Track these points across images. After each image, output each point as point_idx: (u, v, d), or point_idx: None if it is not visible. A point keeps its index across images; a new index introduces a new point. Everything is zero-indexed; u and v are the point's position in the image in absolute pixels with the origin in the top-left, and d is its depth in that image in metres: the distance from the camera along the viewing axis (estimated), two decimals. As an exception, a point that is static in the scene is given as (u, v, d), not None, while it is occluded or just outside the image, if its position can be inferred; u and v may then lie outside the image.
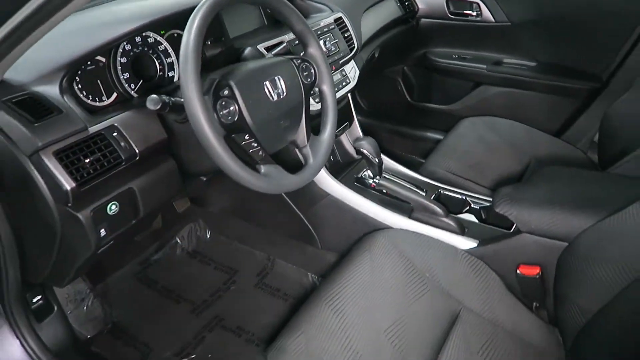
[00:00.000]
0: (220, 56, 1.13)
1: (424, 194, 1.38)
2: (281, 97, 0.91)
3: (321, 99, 1.03)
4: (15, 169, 0.80)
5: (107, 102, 0.96)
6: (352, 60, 1.49)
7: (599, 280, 0.89)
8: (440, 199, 1.39)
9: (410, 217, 1.31)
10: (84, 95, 0.92)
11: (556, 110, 1.90)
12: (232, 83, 0.83)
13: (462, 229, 1.26)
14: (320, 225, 1.47)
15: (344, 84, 1.43)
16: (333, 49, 1.36)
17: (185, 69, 0.76)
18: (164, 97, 0.81)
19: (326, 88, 1.02)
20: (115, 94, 0.97)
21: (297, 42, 1.22)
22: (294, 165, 0.95)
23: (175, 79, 1.09)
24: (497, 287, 1.12)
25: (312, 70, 1.00)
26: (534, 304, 1.14)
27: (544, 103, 1.91)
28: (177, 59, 1.08)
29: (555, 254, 1.04)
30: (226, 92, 0.83)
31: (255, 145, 0.88)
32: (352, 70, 1.48)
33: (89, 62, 0.92)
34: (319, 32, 1.32)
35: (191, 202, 1.72)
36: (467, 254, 1.16)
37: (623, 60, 1.70)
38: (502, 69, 1.98)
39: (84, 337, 1.29)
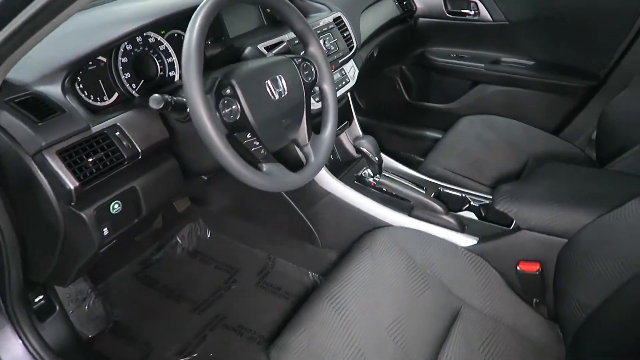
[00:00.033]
0: (221, 56, 1.14)
1: (424, 192, 1.38)
2: (282, 96, 0.91)
3: (322, 97, 1.03)
4: (19, 168, 0.80)
5: (108, 102, 0.96)
6: (352, 60, 1.49)
7: (598, 276, 0.90)
8: (440, 197, 1.40)
9: (410, 215, 1.32)
10: (85, 95, 0.92)
11: (554, 109, 1.91)
12: (234, 82, 0.84)
13: (462, 227, 1.27)
14: (321, 223, 1.48)
15: (343, 83, 1.43)
16: (332, 48, 1.36)
17: (187, 68, 0.76)
18: (166, 96, 0.82)
19: (327, 87, 1.02)
20: (116, 94, 0.98)
21: (297, 41, 1.23)
22: (294, 164, 0.96)
23: (176, 79, 1.09)
24: (497, 283, 1.13)
25: (313, 69, 1.00)
26: (534, 300, 1.14)
27: (542, 101, 1.92)
28: (178, 58, 1.08)
29: (555, 250, 1.05)
30: (228, 91, 0.83)
31: (257, 143, 0.88)
32: (351, 70, 1.49)
33: (90, 62, 0.93)
34: (318, 32, 1.33)
35: (191, 202, 1.72)
36: (468, 251, 1.17)
37: (620, 59, 1.72)
38: (500, 67, 1.99)
39: (85, 337, 1.29)
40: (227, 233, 1.73)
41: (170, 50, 1.08)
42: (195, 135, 0.89)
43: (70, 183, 0.78)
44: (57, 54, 0.86)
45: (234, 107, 0.83)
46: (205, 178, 1.20)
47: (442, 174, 1.50)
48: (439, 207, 1.28)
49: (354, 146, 1.42)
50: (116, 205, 0.88)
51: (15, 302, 1.02)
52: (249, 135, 0.87)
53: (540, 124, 1.76)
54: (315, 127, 1.02)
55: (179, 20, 1.05)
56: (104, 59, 0.96)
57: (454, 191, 1.41)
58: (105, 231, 0.88)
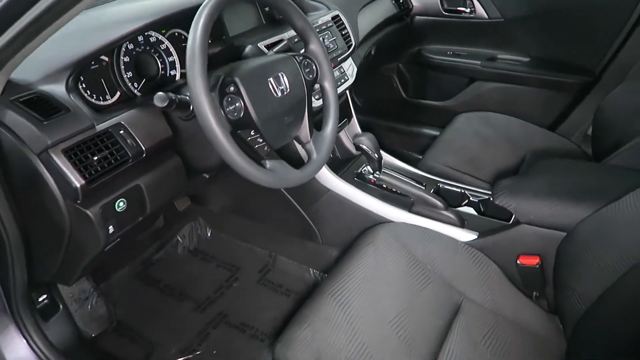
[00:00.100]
0: (221, 54, 1.14)
1: (424, 188, 1.40)
2: (285, 93, 0.92)
3: (323, 95, 1.04)
4: (24, 167, 0.80)
5: (110, 101, 0.97)
6: (350, 58, 1.50)
7: (597, 268, 0.91)
8: (440, 193, 1.41)
9: (410, 211, 1.33)
10: (88, 95, 0.92)
11: (550, 105, 1.93)
12: (237, 80, 0.84)
13: (462, 222, 1.28)
14: (322, 221, 1.48)
15: (342, 80, 1.44)
16: (331, 46, 1.37)
17: (192, 66, 0.77)
18: (170, 94, 0.82)
19: (327, 84, 1.03)
20: (118, 93, 0.98)
21: (296, 39, 1.24)
22: (295, 161, 0.96)
23: (177, 78, 1.10)
24: (497, 277, 1.14)
25: (314, 67, 1.01)
26: (534, 293, 1.16)
27: (538, 98, 1.93)
28: (179, 57, 1.09)
29: (554, 243, 1.06)
30: (232, 88, 0.84)
31: (261, 140, 0.89)
32: (350, 68, 1.50)
33: (92, 62, 0.93)
34: (317, 30, 1.34)
35: (191, 201, 1.73)
36: (468, 246, 1.18)
37: (615, 54, 1.73)
38: (496, 64, 2.00)
39: (88, 336, 1.30)
40: (228, 232, 1.73)
41: (171, 49, 1.08)
42: (198, 133, 0.90)
43: (76, 181, 0.79)
44: (61, 54, 0.87)
45: (237, 104, 0.84)
46: (207, 176, 1.20)
47: (441, 170, 1.51)
48: (438, 203, 1.29)
49: (354, 143, 1.43)
50: (121, 203, 0.89)
51: (19, 301, 1.02)
52: (252, 133, 0.88)
53: (536, 120, 1.77)
54: (316, 124, 1.03)
55: (179, 19, 1.05)
56: (106, 59, 0.96)
57: (453, 187, 1.42)
58: (111, 229, 0.88)
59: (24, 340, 1.05)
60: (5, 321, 1.03)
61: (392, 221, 1.31)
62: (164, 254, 1.67)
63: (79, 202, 0.82)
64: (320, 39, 1.15)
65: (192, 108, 0.88)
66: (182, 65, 1.10)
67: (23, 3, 0.69)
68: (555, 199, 1.08)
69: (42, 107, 0.80)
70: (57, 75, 0.84)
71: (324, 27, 1.38)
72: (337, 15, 1.46)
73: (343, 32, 1.45)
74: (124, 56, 0.99)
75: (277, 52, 1.11)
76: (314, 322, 0.97)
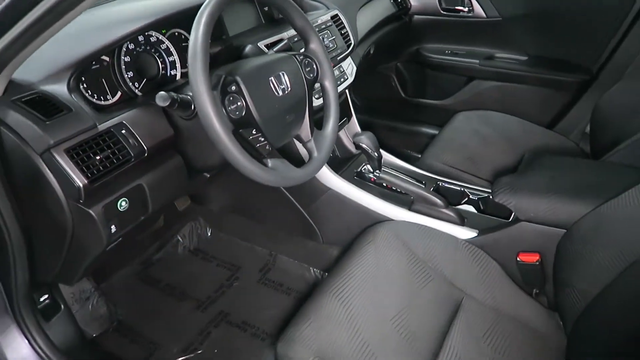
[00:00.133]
0: (221, 54, 1.14)
1: (424, 186, 1.40)
2: (286, 92, 0.92)
3: (323, 94, 1.05)
4: (26, 167, 0.80)
5: (111, 100, 0.97)
6: (349, 57, 1.51)
7: (597, 265, 0.92)
8: (439, 191, 1.42)
9: (410, 209, 1.34)
10: (89, 94, 0.93)
11: (548, 103, 1.94)
12: (238, 79, 0.85)
13: (462, 220, 1.29)
14: (322, 219, 1.49)
15: (341, 80, 1.45)
16: (331, 45, 1.38)
17: (194, 65, 0.77)
18: (172, 93, 0.83)
19: (328, 83, 1.04)
20: (119, 93, 0.98)
21: (296, 39, 1.24)
22: (295, 160, 0.97)
23: (178, 77, 1.10)
24: (497, 274, 1.14)
25: (314, 66, 1.01)
26: (534, 290, 1.16)
27: (536, 96, 1.94)
28: (179, 57, 1.09)
29: (554, 241, 1.07)
30: (233, 87, 0.84)
31: (262, 139, 0.90)
32: (349, 67, 1.51)
33: (93, 62, 0.93)
34: (316, 29, 1.34)
35: (191, 201, 1.73)
36: (468, 244, 1.19)
37: (612, 53, 1.75)
38: (495, 63, 2.01)
39: (90, 336, 1.30)
40: (228, 231, 1.74)
41: (172, 49, 1.08)
42: (199, 132, 0.90)
43: (79, 180, 0.79)
44: (62, 54, 0.87)
45: (239, 103, 0.84)
46: (208, 176, 1.20)
47: (441, 169, 1.52)
48: (439, 201, 1.30)
49: (353, 142, 1.43)
50: (123, 203, 0.89)
51: (21, 301, 1.02)
52: (253, 131, 0.88)
53: (534, 118, 1.78)
54: (316, 123, 1.04)
55: (180, 19, 1.06)
56: (107, 58, 0.96)
57: (453, 185, 1.43)
58: (113, 228, 0.89)
59: (26, 341, 1.05)
60: (7, 321, 1.03)
61: (393, 219, 1.32)
62: (164, 253, 1.67)
63: (81, 201, 0.83)
64: (321, 38, 1.15)
65: (194, 107, 0.88)
66: (183, 65, 1.10)
67: (25, 4, 0.70)
68: (554, 196, 1.09)
69: (44, 107, 0.80)
70: (58, 75, 0.85)
71: (323, 26, 1.38)
72: (336, 15, 1.46)
73: (342, 32, 1.45)
74: (125, 56, 0.99)
75: (277, 52, 1.11)
76: (316, 320, 0.97)
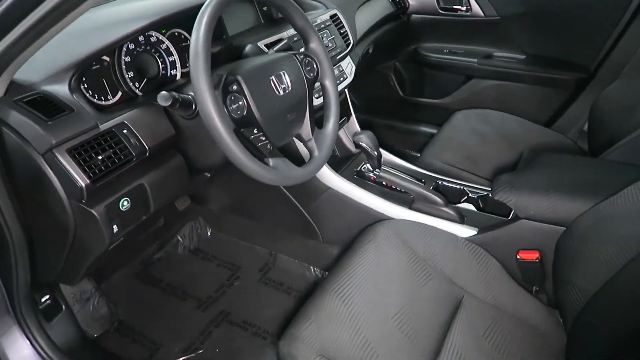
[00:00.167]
0: (221, 54, 1.15)
1: (423, 185, 1.41)
2: (287, 91, 0.92)
3: (323, 93, 1.05)
4: (28, 167, 0.81)
5: (112, 100, 0.97)
6: (348, 56, 1.51)
7: (597, 262, 0.92)
8: (439, 190, 1.42)
9: (410, 207, 1.34)
10: (90, 95, 0.93)
11: (546, 101, 1.94)
12: (240, 78, 0.85)
13: (462, 218, 1.29)
14: (322, 219, 1.49)
15: (341, 79, 1.45)
16: (330, 45, 1.38)
17: (196, 64, 0.77)
18: (173, 93, 0.83)
19: (328, 82, 1.04)
20: (120, 93, 0.99)
21: (296, 38, 1.25)
22: (296, 159, 0.97)
23: (178, 77, 1.10)
24: (497, 272, 1.15)
25: (315, 65, 1.01)
26: (534, 287, 1.17)
27: (534, 94, 1.95)
28: (179, 57, 1.09)
29: (553, 238, 1.07)
30: (235, 87, 0.85)
31: (263, 139, 0.90)
32: (348, 66, 1.51)
33: (94, 62, 0.93)
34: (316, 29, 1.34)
35: (191, 201, 1.73)
36: (468, 242, 1.19)
37: (610, 51, 1.75)
38: (493, 62, 2.02)
39: (91, 336, 1.30)
40: (228, 231, 1.74)
41: (172, 49, 1.08)
42: (200, 131, 0.90)
43: (81, 180, 0.79)
44: (63, 54, 0.87)
45: (240, 102, 0.85)
46: (209, 175, 1.21)
47: (440, 167, 1.52)
48: (438, 200, 1.30)
49: (353, 141, 1.44)
50: (125, 202, 0.89)
51: (22, 302, 1.02)
52: (255, 131, 0.88)
53: (533, 116, 1.79)
54: (316, 122, 1.04)
55: (180, 19, 1.06)
56: (108, 59, 0.97)
57: (452, 184, 1.43)
58: (115, 228, 0.89)
59: (27, 341, 1.05)
60: (9, 322, 1.03)
61: (393, 218, 1.32)
62: (164, 253, 1.67)
63: (83, 201, 0.83)
64: (321, 37, 1.15)
65: (195, 107, 0.89)
66: (183, 65, 1.10)
67: (26, 5, 0.70)
68: (554, 193, 1.09)
69: (45, 107, 0.80)
70: (60, 76, 0.85)
71: (323, 26, 1.39)
72: (335, 14, 1.47)
73: (341, 31, 1.46)
74: (125, 56, 0.99)
75: (277, 51, 1.11)
76: (317, 318, 0.97)
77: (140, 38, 1.02)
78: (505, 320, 1.04)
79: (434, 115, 2.17)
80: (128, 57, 1.00)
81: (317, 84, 1.05)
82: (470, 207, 1.35)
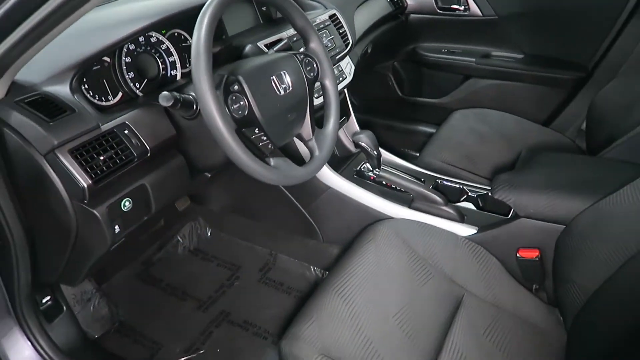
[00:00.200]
0: (221, 54, 1.15)
1: (423, 184, 1.41)
2: (287, 91, 0.93)
3: (324, 92, 1.05)
4: (29, 168, 0.81)
5: (113, 101, 0.97)
6: (347, 56, 1.51)
7: (596, 260, 0.92)
8: (438, 189, 1.42)
9: (410, 207, 1.34)
10: (90, 95, 0.93)
11: (544, 101, 1.95)
12: (241, 78, 0.85)
13: (462, 217, 1.30)
14: (322, 218, 1.49)
15: (340, 79, 1.45)
16: (329, 45, 1.38)
17: (197, 64, 0.77)
18: (175, 93, 0.83)
19: (328, 82, 1.04)
20: (120, 94, 0.99)
21: (295, 38, 1.25)
22: (295, 159, 0.97)
23: (178, 78, 1.10)
24: (497, 271, 1.15)
25: (315, 65, 1.02)
26: (534, 286, 1.17)
27: (532, 94, 1.96)
28: (179, 58, 1.10)
29: (553, 236, 1.08)
30: (236, 87, 0.85)
31: (265, 138, 0.90)
32: (347, 66, 1.51)
33: (94, 63, 0.93)
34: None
35: (191, 201, 1.73)
36: (468, 241, 1.20)
37: (607, 50, 1.76)
38: (491, 61, 2.02)
39: (92, 337, 1.30)
40: (227, 231, 1.74)
41: (172, 49, 1.09)
42: (201, 132, 0.90)
43: (83, 181, 0.79)
44: (64, 55, 0.87)
45: (241, 102, 0.85)
46: (209, 176, 1.21)
47: (439, 167, 1.53)
48: (438, 199, 1.30)
49: (353, 141, 1.44)
50: (127, 203, 0.89)
51: (23, 303, 1.02)
52: (256, 131, 0.89)
53: (531, 115, 1.80)
54: (316, 122, 1.04)
55: (180, 20, 1.06)
56: (108, 59, 0.97)
57: (452, 183, 1.43)
58: (117, 228, 0.89)
59: (29, 343, 1.05)
60: (10, 323, 1.03)
61: (393, 217, 1.32)
62: (164, 254, 1.67)
63: (85, 202, 0.83)
64: (321, 37, 1.16)
65: (196, 107, 0.89)
66: (183, 65, 1.11)
67: (27, 7, 0.70)
68: (553, 192, 1.10)
69: (47, 107, 0.80)
70: (61, 76, 0.85)
71: (322, 26, 1.39)
72: (334, 14, 1.47)
73: (340, 31, 1.46)
74: (126, 57, 0.99)
75: (277, 51, 1.11)
76: (319, 318, 0.97)
77: (141, 39, 1.02)
78: (505, 318, 1.04)
79: (432, 114, 2.17)
80: (128, 57, 1.00)
81: (316, 84, 1.05)
82: (469, 206, 1.36)
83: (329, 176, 1.40)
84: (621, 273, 0.87)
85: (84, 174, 0.79)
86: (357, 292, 1.03)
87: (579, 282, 0.96)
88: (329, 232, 1.51)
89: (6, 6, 0.70)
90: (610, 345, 0.82)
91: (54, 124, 0.79)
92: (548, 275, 1.14)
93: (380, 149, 1.39)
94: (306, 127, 1.00)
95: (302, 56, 1.00)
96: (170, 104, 0.82)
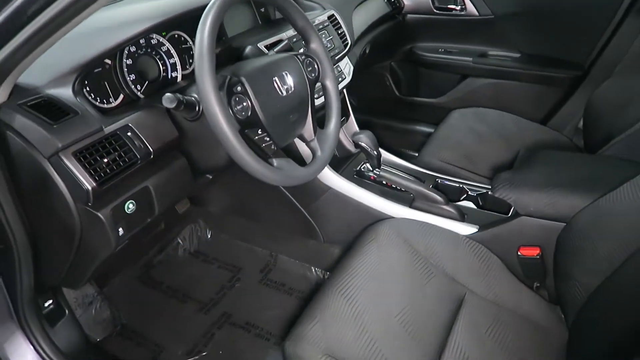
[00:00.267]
0: (221, 55, 1.15)
1: (423, 183, 1.41)
2: (290, 92, 0.93)
3: (325, 93, 1.06)
4: (33, 171, 0.80)
5: (114, 103, 0.97)
6: (346, 57, 1.52)
7: (597, 257, 0.93)
8: (438, 188, 1.43)
9: (411, 206, 1.35)
10: (92, 98, 0.93)
11: (541, 99, 1.96)
12: (244, 79, 0.85)
13: (462, 216, 1.30)
14: (322, 219, 1.49)
15: (339, 79, 1.46)
16: (329, 45, 1.39)
17: (201, 65, 0.77)
18: (178, 95, 0.83)
19: (329, 82, 1.05)
20: (122, 96, 0.99)
21: (295, 39, 1.25)
22: (297, 159, 0.98)
23: (179, 79, 1.10)
24: (498, 269, 1.16)
25: (316, 66, 1.02)
26: (535, 284, 1.18)
27: (529, 92, 1.97)
28: (180, 59, 1.10)
29: (554, 234, 1.08)
30: (239, 88, 0.85)
31: (267, 139, 0.90)
32: (346, 66, 1.52)
33: (96, 65, 0.93)
34: (314, 29, 1.35)
35: (190, 203, 1.73)
36: (469, 239, 1.20)
37: (603, 49, 1.77)
38: (488, 60, 2.03)
39: (94, 340, 1.29)
40: (228, 232, 1.74)
41: (172, 51, 1.09)
42: (204, 133, 0.91)
43: (88, 183, 0.79)
44: (66, 58, 0.87)
45: (245, 103, 0.85)
46: (210, 177, 1.21)
47: (439, 166, 1.53)
48: (439, 198, 1.31)
49: (352, 141, 1.44)
50: (130, 205, 0.89)
51: (26, 307, 1.02)
52: (259, 131, 0.89)
53: (528, 114, 1.81)
54: (317, 122, 1.05)
55: (180, 21, 1.06)
56: (109, 61, 0.97)
57: (451, 182, 1.44)
58: (121, 231, 0.89)
59: (31, 347, 1.04)
60: (12, 327, 1.02)
61: (393, 217, 1.32)
62: (164, 256, 1.67)
63: (90, 204, 0.83)
64: (321, 37, 1.16)
65: (199, 108, 0.89)
66: (183, 67, 1.11)
67: (30, 10, 0.70)
68: (553, 190, 1.10)
69: (50, 110, 0.80)
70: (63, 79, 0.85)
71: (321, 26, 1.39)
72: (333, 15, 1.48)
73: (339, 32, 1.46)
74: (127, 59, 0.99)
75: (278, 52, 1.12)
76: (322, 318, 0.97)
77: (141, 40, 1.02)
78: (507, 317, 1.05)
79: (430, 114, 2.18)
80: (129, 59, 1.00)
81: (316, 84, 1.05)
82: (470, 205, 1.36)
83: (329, 176, 1.40)
84: (622, 270, 0.87)
85: (88, 177, 0.79)
86: (360, 292, 1.03)
87: (580, 280, 0.96)
88: (329, 233, 1.52)
89: (9, 10, 0.70)
90: (612, 343, 0.82)
91: (58, 126, 0.78)
92: (549, 273, 1.15)
93: (380, 148, 1.39)
94: (308, 128, 1.00)
95: (303, 57, 1.00)
96: (174, 105, 0.82)
